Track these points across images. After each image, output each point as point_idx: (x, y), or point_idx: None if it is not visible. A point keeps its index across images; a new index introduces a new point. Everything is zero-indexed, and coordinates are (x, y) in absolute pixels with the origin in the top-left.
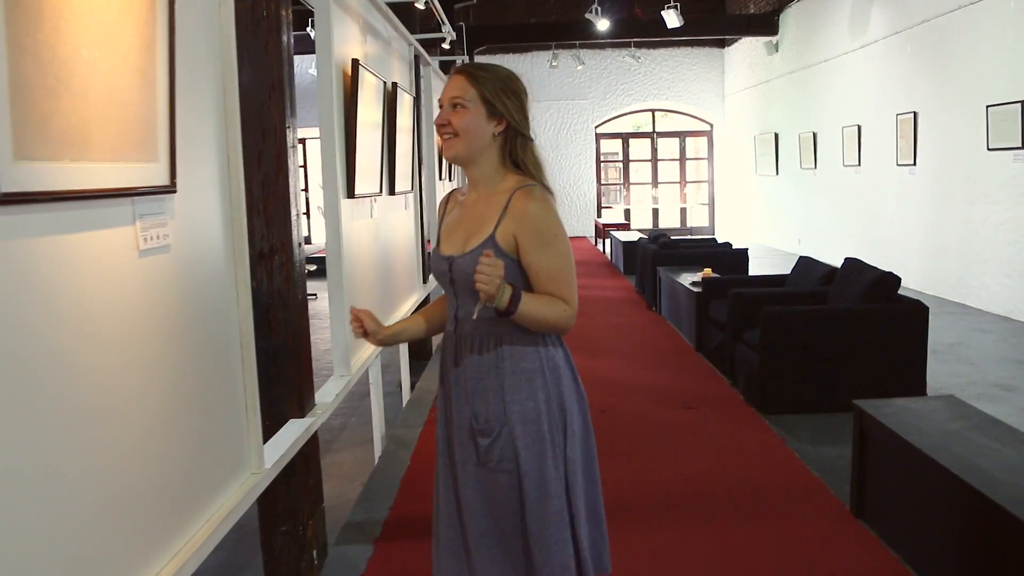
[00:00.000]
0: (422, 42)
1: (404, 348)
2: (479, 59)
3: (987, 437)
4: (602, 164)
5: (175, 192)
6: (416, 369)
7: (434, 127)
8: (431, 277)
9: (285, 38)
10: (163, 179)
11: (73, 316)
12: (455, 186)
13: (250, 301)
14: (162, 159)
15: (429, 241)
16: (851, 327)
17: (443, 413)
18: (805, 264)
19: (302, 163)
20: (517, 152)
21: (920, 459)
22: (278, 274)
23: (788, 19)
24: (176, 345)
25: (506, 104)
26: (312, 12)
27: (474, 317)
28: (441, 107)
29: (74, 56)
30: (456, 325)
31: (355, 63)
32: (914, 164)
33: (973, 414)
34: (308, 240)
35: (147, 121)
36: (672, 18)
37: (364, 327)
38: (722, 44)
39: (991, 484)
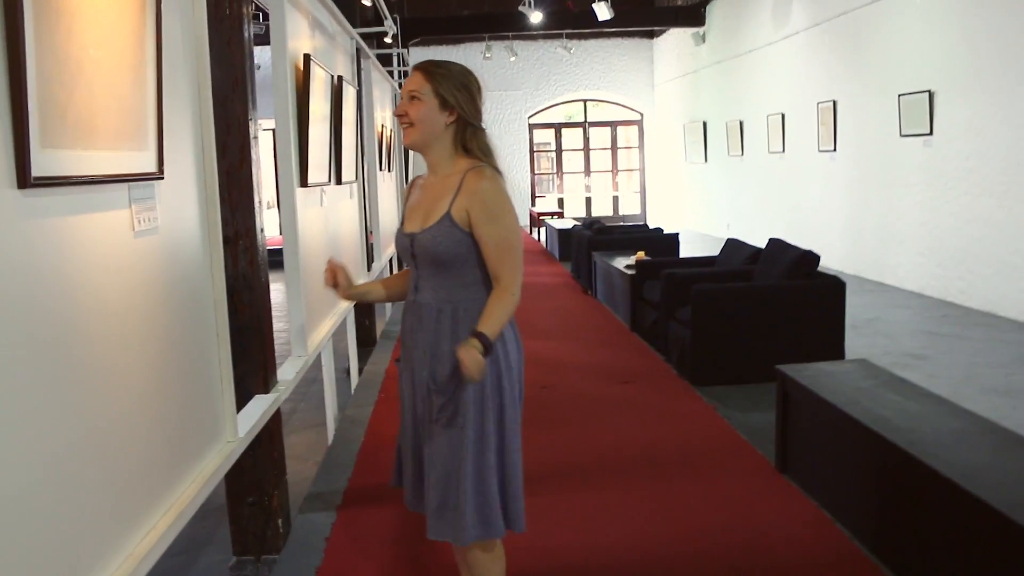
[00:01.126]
0: (361, 35)
1: (352, 336)
2: (414, 51)
3: (893, 393)
4: (535, 154)
5: (163, 179)
6: (363, 356)
7: (391, 117)
8: (374, 265)
9: (246, 35)
10: (152, 166)
11: (82, 289)
12: (393, 176)
13: (224, 282)
14: (151, 148)
15: (371, 232)
16: (775, 302)
17: (407, 373)
18: (732, 246)
19: None
20: (468, 140)
21: (834, 413)
22: (243, 258)
23: (714, 11)
24: (163, 320)
25: (457, 98)
26: (259, 6)
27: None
28: (401, 99)
29: (83, 55)
30: (416, 295)
31: (307, 58)
32: (834, 150)
33: (882, 374)
34: None
35: (140, 113)
36: (603, 10)
37: (336, 279)
38: (651, 35)
39: (893, 431)
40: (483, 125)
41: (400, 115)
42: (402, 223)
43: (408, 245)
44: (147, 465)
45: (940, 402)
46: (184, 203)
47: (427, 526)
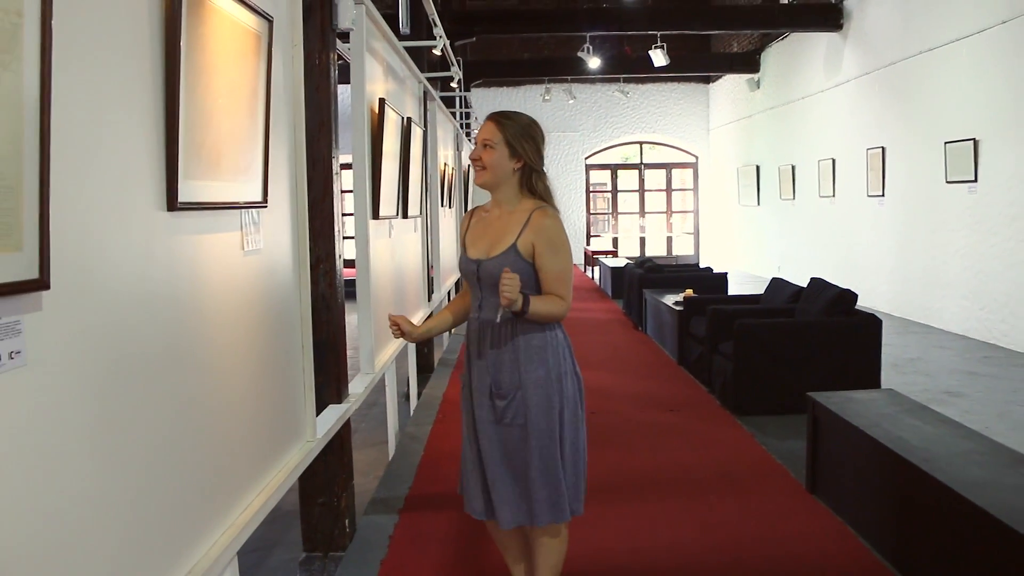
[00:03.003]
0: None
1: (413, 361)
2: (475, 92)
3: (914, 419)
4: (591, 194)
5: (266, 206)
6: (422, 381)
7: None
8: (433, 296)
9: (332, 81)
10: (259, 196)
11: (208, 297)
12: (453, 212)
13: (310, 299)
14: (259, 180)
15: (432, 267)
16: (813, 338)
17: (467, 383)
18: (777, 285)
19: None
20: (532, 182)
21: (859, 436)
22: (323, 281)
23: (769, 58)
24: (262, 329)
25: (524, 147)
26: (341, 56)
27: (497, 321)
28: (476, 145)
29: (215, 104)
30: (480, 312)
31: (382, 102)
32: (883, 195)
33: (906, 402)
34: None
35: (251, 150)
36: (659, 57)
37: (401, 329)
38: (707, 80)
39: (910, 451)
40: (545, 169)
41: (475, 159)
42: (465, 249)
43: (474, 270)
44: (246, 451)
45: (956, 426)
46: (280, 228)
47: (499, 518)
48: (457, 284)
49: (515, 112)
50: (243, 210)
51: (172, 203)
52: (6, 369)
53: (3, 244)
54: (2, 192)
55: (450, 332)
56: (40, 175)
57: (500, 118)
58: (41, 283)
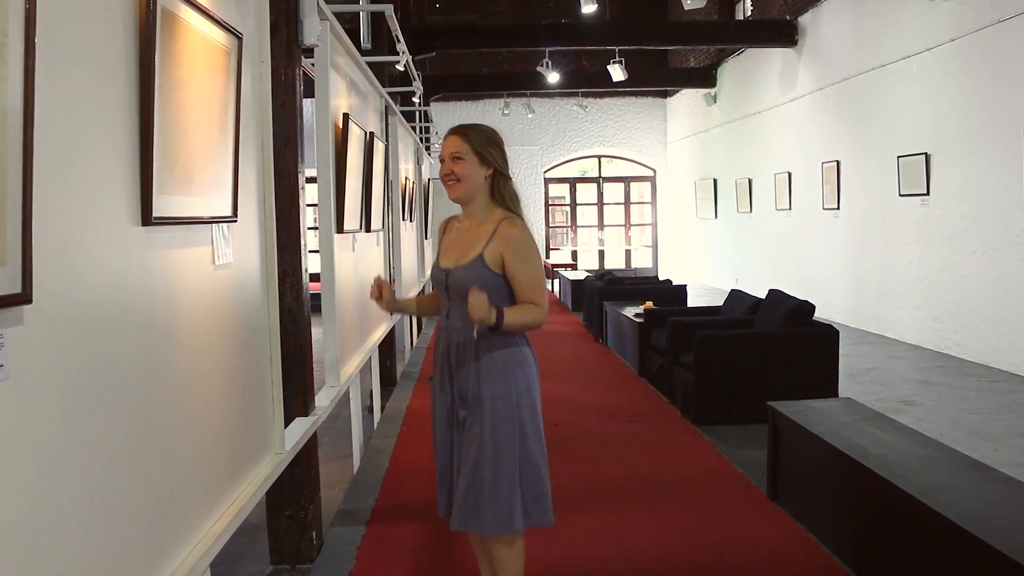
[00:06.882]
0: (389, 94)
1: (376, 374)
2: (435, 106)
3: (870, 426)
4: (550, 207)
5: (236, 221)
6: (385, 394)
7: (438, 176)
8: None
9: (298, 97)
10: (229, 211)
11: (179, 309)
12: (414, 225)
13: (278, 312)
14: (229, 195)
15: (394, 280)
16: (772, 348)
17: (438, 388)
18: (735, 296)
19: None
20: (501, 188)
21: (818, 444)
22: (289, 294)
23: (725, 73)
24: (231, 341)
25: (492, 153)
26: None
27: (475, 336)
28: (443, 161)
29: (188, 121)
30: (448, 321)
31: (346, 117)
32: (838, 208)
33: (863, 411)
34: None
35: (222, 166)
36: (617, 72)
37: (381, 292)
38: (664, 95)
39: (868, 457)
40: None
41: (447, 174)
42: (437, 258)
43: (443, 279)
44: (218, 464)
45: (912, 434)
46: (249, 242)
47: (452, 517)
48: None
49: (474, 123)
50: (214, 225)
51: (147, 218)
52: None
53: None
54: None
55: (413, 319)
56: (23, 191)
57: (463, 130)
58: (23, 297)
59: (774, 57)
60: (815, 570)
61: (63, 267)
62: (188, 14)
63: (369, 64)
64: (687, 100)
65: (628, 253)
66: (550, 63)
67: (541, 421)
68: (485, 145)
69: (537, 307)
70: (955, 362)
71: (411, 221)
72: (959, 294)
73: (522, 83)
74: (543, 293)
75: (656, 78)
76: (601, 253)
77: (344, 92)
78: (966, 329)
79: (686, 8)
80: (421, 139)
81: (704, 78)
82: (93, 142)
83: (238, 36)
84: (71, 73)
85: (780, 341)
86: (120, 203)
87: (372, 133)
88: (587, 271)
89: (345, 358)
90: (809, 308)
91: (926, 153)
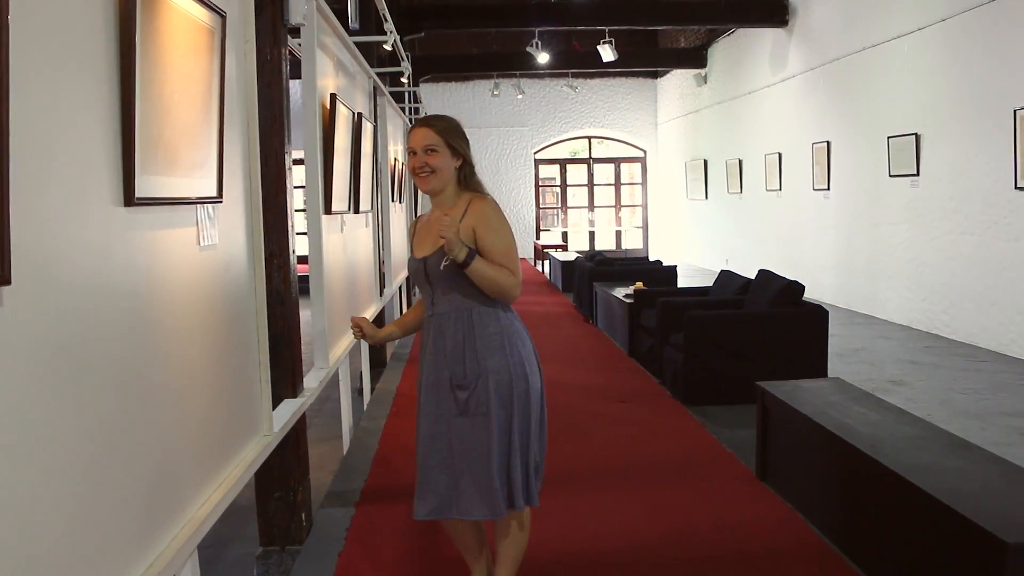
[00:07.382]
0: (378, 75)
1: (366, 356)
2: (424, 87)
3: (859, 406)
4: (540, 188)
5: (221, 202)
6: (375, 375)
7: (409, 167)
8: (385, 291)
9: (284, 77)
10: (214, 192)
11: (163, 291)
12: (404, 207)
13: (265, 293)
14: (214, 176)
15: (383, 262)
16: (761, 328)
17: (423, 383)
18: (725, 277)
19: None
20: (468, 176)
21: (806, 423)
22: (276, 275)
23: (715, 53)
24: (217, 323)
25: (460, 144)
26: (292, 52)
27: (441, 268)
28: (414, 154)
29: (171, 100)
30: (434, 308)
31: (333, 97)
32: (828, 189)
33: (851, 390)
34: None
35: (207, 146)
36: (607, 52)
37: (363, 331)
38: (655, 75)
39: (856, 436)
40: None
41: (420, 167)
42: (412, 251)
43: (421, 268)
44: (204, 446)
45: (900, 413)
46: (235, 223)
47: (458, 507)
48: (408, 280)
49: (439, 115)
50: (199, 205)
51: (129, 198)
52: None
53: None
54: None
55: (403, 300)
56: None
57: (432, 121)
58: (2, 278)
59: (765, 37)
60: (803, 548)
61: (43, 248)
62: None
63: (357, 44)
64: (677, 81)
65: (618, 234)
66: (540, 43)
67: (543, 399)
68: (455, 137)
69: (510, 272)
70: (943, 342)
71: (401, 203)
72: (948, 274)
73: (512, 64)
74: (516, 263)
75: (646, 58)
76: (591, 234)
77: (331, 72)
78: (955, 309)
79: None
80: (410, 120)
81: (695, 59)
82: (73, 121)
83: (221, 14)
84: (48, 49)
85: (769, 321)
86: (102, 183)
87: (360, 114)
88: (577, 252)
89: (334, 339)
90: (799, 288)
91: (916, 133)
